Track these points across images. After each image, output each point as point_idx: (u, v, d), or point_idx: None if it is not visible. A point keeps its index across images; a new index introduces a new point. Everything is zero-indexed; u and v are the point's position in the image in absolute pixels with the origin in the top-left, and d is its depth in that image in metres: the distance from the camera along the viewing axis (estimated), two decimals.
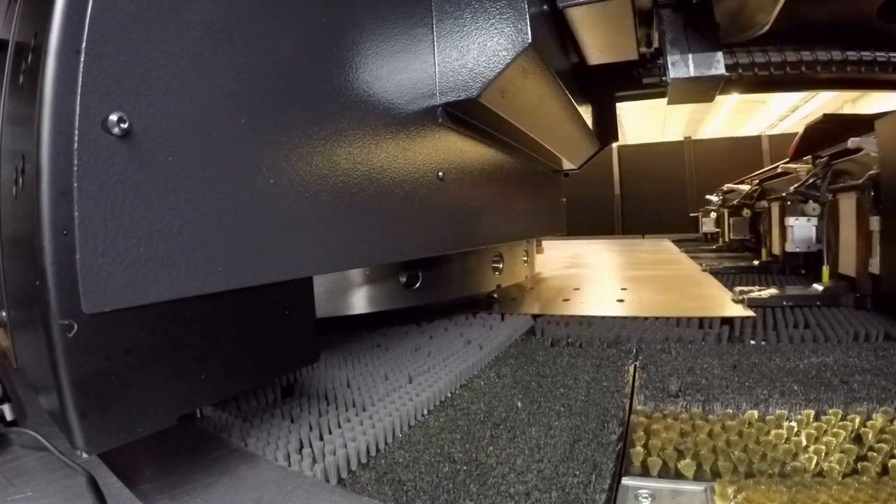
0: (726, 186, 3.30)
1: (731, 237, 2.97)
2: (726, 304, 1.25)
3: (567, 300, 1.43)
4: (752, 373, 0.74)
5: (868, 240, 1.16)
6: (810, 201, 1.43)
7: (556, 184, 1.88)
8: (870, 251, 1.15)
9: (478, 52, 0.78)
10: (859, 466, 0.46)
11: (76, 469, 0.46)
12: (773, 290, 1.30)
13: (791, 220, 1.71)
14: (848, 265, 1.30)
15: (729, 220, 3.04)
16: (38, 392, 0.49)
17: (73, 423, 0.36)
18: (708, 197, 3.83)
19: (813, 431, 0.53)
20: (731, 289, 1.45)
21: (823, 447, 0.49)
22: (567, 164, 1.83)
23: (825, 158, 1.40)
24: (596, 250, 3.43)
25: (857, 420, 0.56)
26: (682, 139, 6.71)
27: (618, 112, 1.78)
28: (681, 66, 0.91)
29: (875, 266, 1.12)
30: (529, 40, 0.75)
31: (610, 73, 1.41)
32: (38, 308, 0.36)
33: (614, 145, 5.91)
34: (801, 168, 1.55)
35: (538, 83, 0.93)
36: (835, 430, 0.54)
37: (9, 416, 0.57)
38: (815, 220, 1.63)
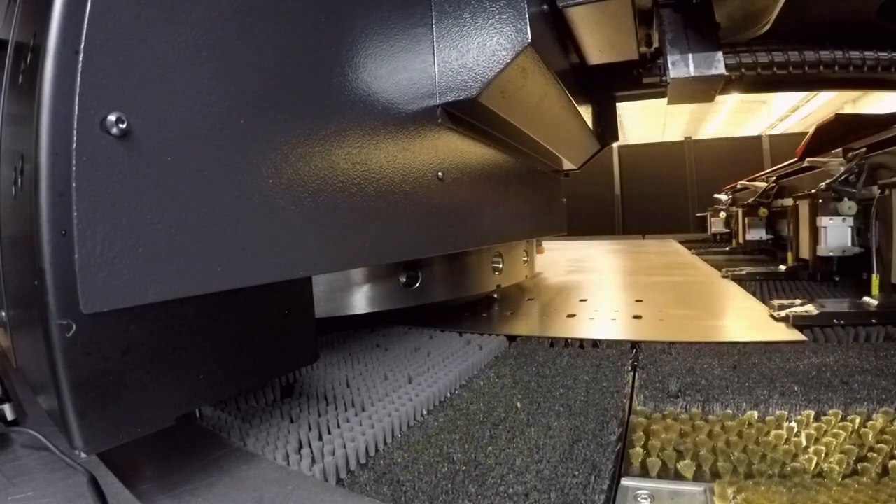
0: (739, 184, 3.09)
1: (747, 238, 2.72)
2: (766, 323, 1.05)
3: (572, 316, 1.24)
4: (751, 373, 0.74)
5: None
6: (845, 199, 1.27)
7: (556, 184, 1.88)
8: None
9: (477, 52, 0.78)
10: (859, 467, 0.46)
11: (77, 469, 0.46)
12: (814, 305, 1.08)
13: (824, 221, 1.51)
14: None
15: (744, 219, 2.77)
16: (38, 392, 0.49)
17: (71, 422, 0.36)
18: (717, 196, 3.70)
19: (813, 432, 0.53)
20: (763, 300, 1.27)
21: (823, 448, 0.49)
22: (567, 164, 1.83)
23: (861, 150, 1.25)
24: (600, 252, 3.26)
25: (858, 421, 0.56)
26: (682, 139, 6.71)
27: (618, 112, 1.78)
28: (681, 66, 0.91)
29: None
30: (529, 40, 0.75)
31: (610, 73, 1.41)
32: (37, 308, 0.36)
33: (614, 145, 5.91)
34: (832, 162, 1.39)
35: (538, 83, 0.93)
36: (835, 430, 0.54)
37: (10, 415, 0.57)
38: (850, 220, 1.44)
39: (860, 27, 1.37)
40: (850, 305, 1.08)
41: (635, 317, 1.19)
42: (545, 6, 0.88)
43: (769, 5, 0.98)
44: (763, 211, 2.45)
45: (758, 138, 6.41)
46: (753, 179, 2.89)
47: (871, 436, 0.52)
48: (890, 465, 0.46)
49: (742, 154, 6.09)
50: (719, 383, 0.70)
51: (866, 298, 1.09)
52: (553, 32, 0.96)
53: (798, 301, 1.13)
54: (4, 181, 0.50)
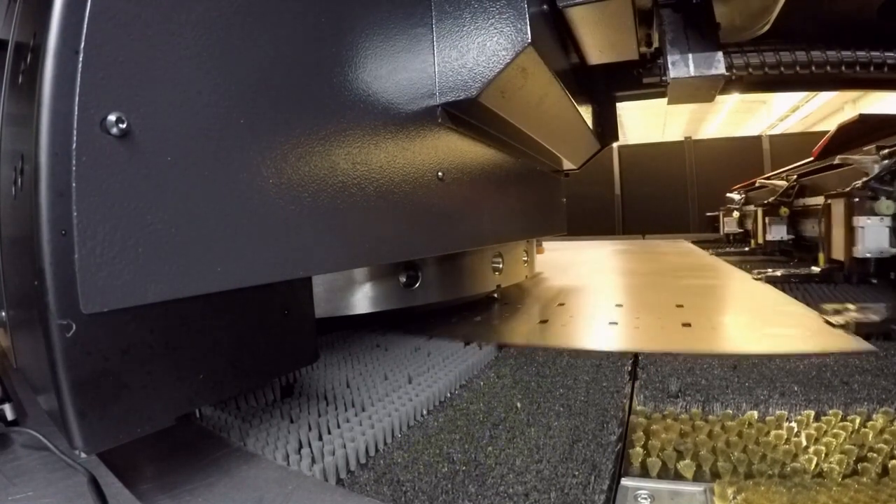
0: (757, 181, 3.03)
1: (767, 238, 2.63)
2: (825, 331, 0.96)
3: (614, 324, 1.10)
4: (751, 373, 0.74)
5: None
6: (882, 197, 1.22)
7: (557, 184, 1.88)
8: None
9: (477, 52, 0.78)
10: (859, 467, 0.46)
11: (77, 469, 0.46)
12: (877, 310, 0.99)
13: (861, 221, 1.44)
14: None
15: (764, 219, 2.67)
16: (38, 392, 0.49)
17: (71, 422, 0.36)
18: (729, 195, 3.64)
19: (813, 432, 0.53)
20: (807, 304, 1.18)
21: (823, 448, 0.49)
22: (567, 164, 1.83)
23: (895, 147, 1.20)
24: (609, 253, 3.08)
25: (858, 421, 0.56)
26: (682, 139, 6.71)
27: (618, 112, 1.78)
28: (681, 66, 0.91)
29: None
30: (529, 40, 0.75)
31: (610, 73, 1.41)
32: (37, 308, 0.36)
33: (614, 145, 5.91)
34: (864, 159, 1.35)
35: (538, 83, 0.93)
36: (835, 430, 0.53)
37: (10, 415, 0.57)
38: (888, 220, 1.39)
39: (860, 27, 1.37)
40: None
41: (684, 325, 1.08)
42: (545, 6, 0.88)
43: (769, 5, 0.98)
44: (784, 210, 2.39)
45: (758, 138, 6.41)
46: (770, 178, 2.81)
47: (871, 436, 0.52)
48: (890, 465, 0.46)
49: (742, 154, 6.10)
50: (719, 383, 0.70)
51: None
52: (553, 32, 0.96)
53: (851, 306, 1.07)
54: (4, 181, 0.50)
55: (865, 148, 1.39)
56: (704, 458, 0.48)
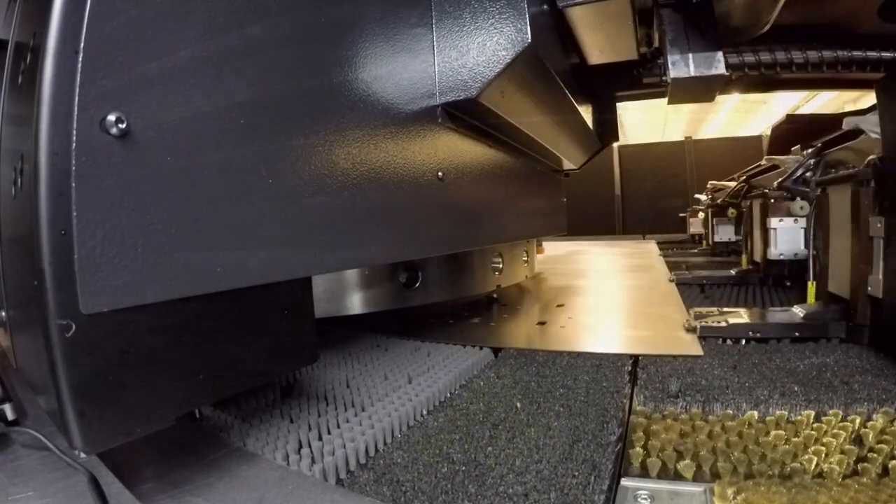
0: (710, 184, 3.03)
1: (715, 240, 2.66)
2: (672, 336, 0.97)
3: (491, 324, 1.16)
4: (752, 373, 0.74)
5: (868, 249, 0.85)
6: (798, 198, 1.19)
7: (557, 184, 1.88)
8: (870, 265, 0.84)
9: (477, 52, 0.78)
10: (859, 468, 0.46)
11: (77, 469, 0.46)
12: (739, 314, 1.01)
13: (774, 222, 1.41)
14: (840, 283, 0.99)
15: (712, 220, 2.73)
16: (38, 392, 0.49)
17: (71, 422, 0.36)
18: (697, 196, 3.66)
19: (813, 432, 0.53)
20: (694, 309, 1.17)
21: (823, 448, 0.49)
22: (567, 164, 1.83)
23: (817, 146, 1.19)
24: (569, 252, 3.14)
25: (858, 421, 0.56)
26: (682, 139, 6.70)
27: (618, 112, 1.77)
28: (681, 66, 0.91)
29: (877, 286, 0.82)
30: (529, 40, 0.75)
31: (610, 72, 1.41)
32: (37, 308, 0.36)
33: (614, 145, 5.90)
34: (788, 160, 1.31)
35: (538, 83, 0.93)
36: (835, 431, 0.53)
37: (10, 415, 0.57)
38: (803, 222, 1.34)
39: (859, 27, 1.36)
40: (774, 316, 1.01)
41: (540, 323, 1.15)
42: (545, 6, 0.88)
43: (769, 5, 0.98)
44: (732, 212, 2.38)
45: (758, 138, 6.40)
46: (730, 179, 2.84)
47: (871, 436, 0.52)
48: (890, 465, 0.46)
49: (742, 154, 6.08)
50: (719, 383, 0.70)
51: (796, 308, 1.02)
52: (553, 32, 0.96)
53: (717, 310, 1.09)
54: (4, 181, 0.50)
55: (794, 148, 1.37)
56: (704, 458, 0.48)
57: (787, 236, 1.41)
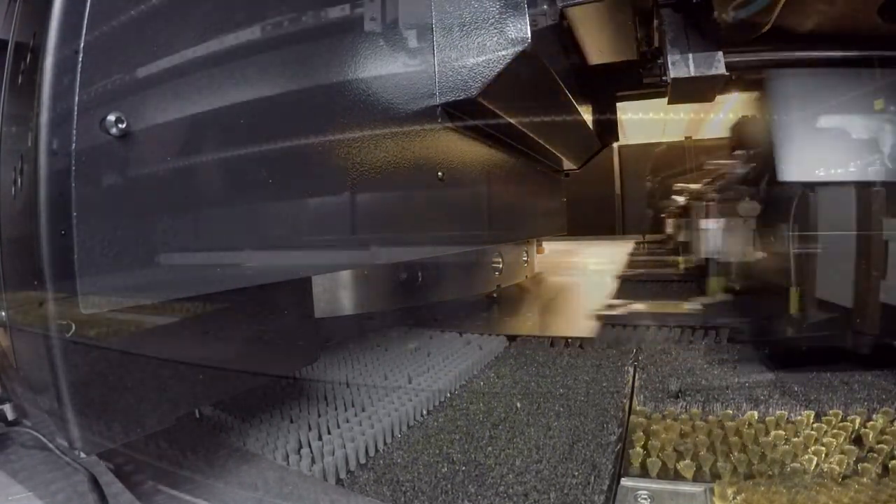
0: (677, 186, 3.15)
1: (679, 239, 2.78)
2: (573, 321, 1.07)
3: None
4: (752, 373, 0.74)
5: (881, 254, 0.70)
6: (747, 198, 1.23)
7: (557, 184, 1.88)
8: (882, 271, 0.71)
9: (477, 52, 0.78)
10: (859, 467, 0.46)
11: (78, 469, 0.46)
12: (642, 304, 1.10)
13: (704, 223, 1.41)
14: (836, 290, 0.85)
15: (676, 221, 2.88)
16: (38, 392, 0.49)
17: (71, 422, 0.36)
18: (675, 197, 3.69)
19: (813, 432, 0.53)
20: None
21: (823, 448, 0.49)
22: (567, 164, 1.83)
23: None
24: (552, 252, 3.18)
25: (858, 421, 0.56)
26: (682, 139, 6.70)
27: (618, 112, 1.77)
28: (681, 66, 0.91)
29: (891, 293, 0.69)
30: (529, 40, 0.75)
31: (610, 72, 1.41)
32: (37, 308, 0.36)
33: (614, 145, 5.89)
34: (724, 164, 1.34)
35: (538, 83, 0.93)
36: (835, 430, 0.53)
37: (10, 415, 0.57)
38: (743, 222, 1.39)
39: (859, 27, 1.36)
40: (673, 305, 1.08)
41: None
42: (545, 6, 0.88)
43: (770, 4, 0.98)
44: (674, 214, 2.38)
45: None
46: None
47: (871, 436, 0.52)
48: (890, 465, 0.46)
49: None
50: (719, 383, 0.70)
51: (702, 299, 1.08)
52: (553, 32, 0.96)
53: (625, 301, 1.18)
54: (4, 181, 0.50)
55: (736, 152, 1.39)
56: (704, 458, 0.48)
57: (713, 238, 1.40)
